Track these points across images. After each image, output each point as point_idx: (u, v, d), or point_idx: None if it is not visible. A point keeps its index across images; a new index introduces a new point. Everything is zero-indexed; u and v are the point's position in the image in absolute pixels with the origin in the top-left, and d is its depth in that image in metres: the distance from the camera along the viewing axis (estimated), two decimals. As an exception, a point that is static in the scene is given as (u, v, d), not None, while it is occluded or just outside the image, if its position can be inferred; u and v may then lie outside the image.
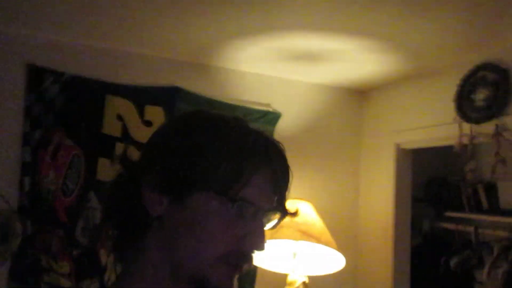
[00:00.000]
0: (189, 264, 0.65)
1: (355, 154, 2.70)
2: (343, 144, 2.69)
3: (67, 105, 2.11)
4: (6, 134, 2.03)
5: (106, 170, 2.14)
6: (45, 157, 2.07)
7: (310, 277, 2.14)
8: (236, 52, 2.18)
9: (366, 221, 2.62)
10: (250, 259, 0.68)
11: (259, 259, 2.07)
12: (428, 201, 3.12)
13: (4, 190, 1.99)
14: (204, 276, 0.65)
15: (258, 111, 2.40)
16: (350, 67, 2.29)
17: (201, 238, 0.65)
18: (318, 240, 2.06)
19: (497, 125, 1.74)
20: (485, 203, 2.80)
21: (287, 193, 0.70)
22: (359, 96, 2.73)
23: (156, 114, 2.23)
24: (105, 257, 2.12)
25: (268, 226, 0.70)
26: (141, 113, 2.21)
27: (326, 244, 2.08)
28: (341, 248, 2.12)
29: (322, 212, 2.25)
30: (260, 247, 0.67)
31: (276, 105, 2.48)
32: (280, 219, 0.72)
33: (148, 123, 2.22)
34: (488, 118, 1.81)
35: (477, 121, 1.85)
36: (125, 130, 2.19)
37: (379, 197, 2.53)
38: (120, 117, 2.18)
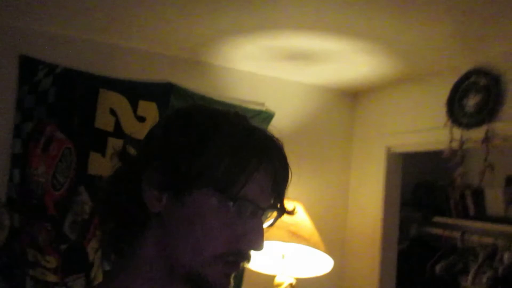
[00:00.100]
0: (187, 261, 0.65)
1: (346, 156, 2.72)
2: (334, 145, 2.70)
3: (60, 98, 2.09)
4: (-3, 125, 2.01)
5: (98, 165, 2.12)
6: (36, 149, 2.05)
7: (297, 279, 2.14)
8: (231, 50, 2.19)
9: (354, 223, 2.63)
10: (248, 257, 0.67)
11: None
12: (416, 205, 3.15)
13: (-7, 182, 1.97)
14: (200, 274, 0.64)
15: (252, 110, 2.41)
16: (344, 69, 2.31)
17: (200, 236, 0.64)
18: (307, 242, 2.06)
19: (487, 131, 1.77)
20: (472, 209, 2.84)
21: (286, 191, 0.70)
22: (351, 97, 2.75)
23: (150, 110, 2.22)
24: (93, 253, 2.11)
25: (265, 225, 0.70)
26: (134, 108, 2.20)
27: (315, 246, 2.08)
28: (328, 249, 2.13)
29: (311, 213, 2.25)
30: (259, 246, 0.66)
31: (269, 104, 2.49)
32: (277, 218, 0.71)
33: (141, 119, 2.21)
34: (479, 123, 1.83)
35: (468, 126, 1.88)
36: (118, 125, 2.17)
37: (368, 199, 2.54)
38: (113, 112, 2.17)
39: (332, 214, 2.64)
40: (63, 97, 2.09)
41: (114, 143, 2.15)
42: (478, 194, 2.80)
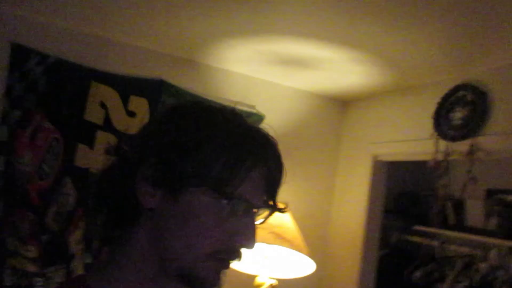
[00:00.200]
0: (178, 258, 0.65)
1: (332, 162, 2.75)
2: (321, 151, 2.73)
3: (50, 88, 2.07)
4: (-16, 111, 1.98)
5: (85, 157, 2.11)
6: (23, 138, 2.03)
7: (278, 280, 2.15)
8: (224, 51, 2.20)
9: (337, 228, 2.66)
10: (239, 255, 0.68)
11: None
12: (398, 213, 3.21)
13: (-23, 168, 1.94)
14: (192, 271, 0.65)
15: (243, 112, 2.41)
16: (335, 76, 2.34)
17: (193, 234, 0.64)
18: (291, 244, 2.08)
19: (472, 145, 1.81)
20: (452, 219, 2.90)
21: (279, 189, 0.70)
22: (340, 105, 2.78)
23: (141, 106, 2.22)
24: (74, 245, 2.09)
25: (257, 222, 0.70)
26: (125, 103, 2.19)
27: (298, 249, 2.10)
28: (310, 253, 2.15)
29: (295, 216, 2.27)
30: (251, 244, 0.67)
31: (260, 107, 2.50)
32: (268, 215, 0.72)
33: (132, 114, 2.20)
34: (464, 137, 1.87)
35: (453, 139, 1.92)
36: (107, 119, 2.16)
37: (352, 205, 2.57)
38: (103, 105, 2.16)
39: (316, 218, 2.67)
40: (53, 87, 2.07)
41: (103, 137, 2.14)
42: (459, 205, 2.86)
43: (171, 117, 0.69)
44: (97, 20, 2.04)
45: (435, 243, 2.89)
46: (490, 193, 2.72)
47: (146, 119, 2.19)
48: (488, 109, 1.81)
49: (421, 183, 3.21)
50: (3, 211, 1.98)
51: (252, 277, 2.16)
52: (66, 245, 2.08)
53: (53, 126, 2.08)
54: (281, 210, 0.73)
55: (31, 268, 2.01)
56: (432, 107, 2.05)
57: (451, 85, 2.00)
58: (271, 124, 0.72)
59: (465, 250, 2.69)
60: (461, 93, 1.93)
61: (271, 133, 0.71)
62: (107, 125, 2.16)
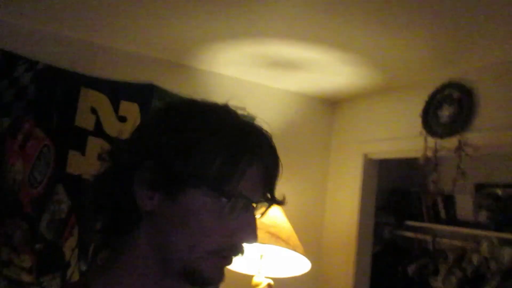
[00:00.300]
0: (181, 258, 0.65)
1: (323, 161, 2.78)
2: (313, 151, 2.75)
3: (40, 95, 2.06)
4: (-27, 120, 1.97)
5: (77, 163, 2.10)
6: (13, 145, 2.01)
7: (274, 279, 2.17)
8: (214, 55, 2.20)
9: (330, 227, 2.69)
10: (242, 250, 0.68)
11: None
12: (390, 209, 3.24)
13: (-32, 179, 1.93)
14: (196, 269, 0.65)
15: (234, 112, 2.42)
16: (324, 78, 2.36)
17: (195, 234, 0.64)
18: (286, 243, 2.09)
19: (460, 141, 1.84)
20: (443, 214, 2.94)
21: (276, 183, 0.71)
22: (330, 106, 2.81)
23: (131, 110, 2.21)
24: (69, 253, 2.08)
25: (257, 216, 0.70)
26: (116, 108, 2.19)
27: (294, 248, 2.11)
28: (305, 251, 2.17)
29: (289, 216, 2.29)
30: (254, 238, 0.67)
31: (250, 109, 2.51)
32: (267, 209, 0.72)
33: (123, 119, 2.20)
34: (452, 133, 1.91)
35: (442, 136, 1.95)
36: (98, 124, 2.16)
37: (344, 204, 2.60)
38: (94, 111, 2.15)
39: (310, 217, 2.69)
40: (43, 94, 2.06)
41: (94, 142, 2.13)
42: (449, 200, 2.90)
43: (164, 118, 0.69)
44: (86, 25, 2.03)
45: (427, 237, 2.93)
46: (479, 187, 2.76)
47: (137, 124, 2.18)
48: (475, 106, 1.85)
49: (412, 180, 3.25)
50: (-5, 220, 1.97)
51: (248, 277, 2.17)
52: (61, 253, 2.07)
53: (44, 133, 2.07)
54: (280, 203, 0.73)
55: (26, 278, 2.00)
56: (420, 106, 2.08)
57: (438, 83, 2.03)
58: (262, 126, 0.72)
59: (457, 243, 2.73)
60: (448, 91, 1.96)
61: (265, 127, 0.71)
62: (98, 130, 2.15)
